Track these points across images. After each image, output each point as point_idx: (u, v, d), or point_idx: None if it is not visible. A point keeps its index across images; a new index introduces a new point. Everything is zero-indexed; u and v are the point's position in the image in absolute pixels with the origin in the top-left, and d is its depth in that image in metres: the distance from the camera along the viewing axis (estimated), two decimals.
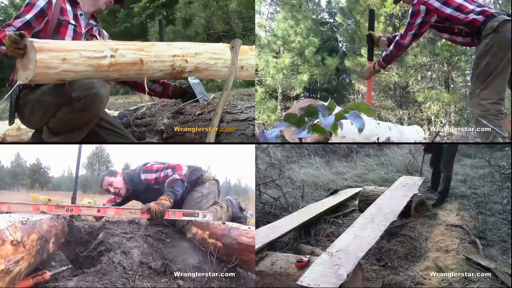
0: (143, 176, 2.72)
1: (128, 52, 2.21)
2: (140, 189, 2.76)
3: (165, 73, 2.43)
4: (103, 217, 2.66)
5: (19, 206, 2.13)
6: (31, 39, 1.91)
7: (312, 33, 10.88)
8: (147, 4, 11.43)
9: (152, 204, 2.35)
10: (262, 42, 10.69)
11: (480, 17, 2.72)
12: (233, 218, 2.80)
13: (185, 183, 2.65)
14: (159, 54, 2.35)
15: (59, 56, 1.94)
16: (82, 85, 2.01)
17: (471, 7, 2.80)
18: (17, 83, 2.01)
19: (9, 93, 2.10)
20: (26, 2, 2.23)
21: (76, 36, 2.33)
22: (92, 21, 2.49)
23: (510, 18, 2.67)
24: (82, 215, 2.45)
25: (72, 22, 2.33)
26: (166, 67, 2.39)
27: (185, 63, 2.48)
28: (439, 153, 3.40)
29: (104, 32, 2.64)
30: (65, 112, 2.07)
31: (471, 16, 2.75)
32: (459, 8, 2.81)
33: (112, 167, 20.62)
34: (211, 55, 2.61)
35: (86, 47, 2.07)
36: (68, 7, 2.33)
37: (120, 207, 2.68)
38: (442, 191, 3.36)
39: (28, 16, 2.17)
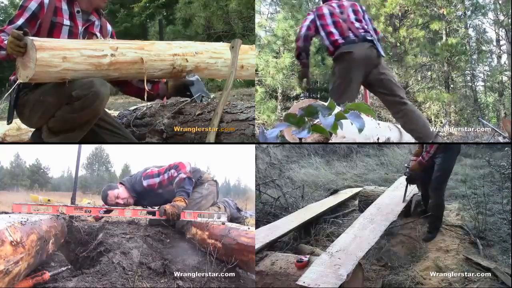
0: (145, 183, 2.67)
1: (129, 51, 2.21)
2: (142, 195, 2.71)
3: (165, 72, 2.43)
4: (103, 217, 2.65)
5: (40, 208, 2.15)
6: (31, 37, 1.91)
7: None
8: (147, 4, 11.40)
9: (168, 207, 2.32)
10: (262, 42, 10.68)
11: (340, 40, 3.08)
12: (231, 219, 2.79)
13: (192, 180, 2.62)
14: (159, 53, 2.35)
15: (60, 54, 1.94)
16: (82, 84, 2.01)
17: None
18: (16, 82, 2.01)
19: (9, 92, 2.10)
20: (20, 5, 2.22)
21: (72, 36, 2.30)
22: (92, 17, 2.42)
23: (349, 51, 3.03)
24: (81, 216, 2.45)
25: (67, 23, 2.28)
26: (166, 66, 2.39)
27: (185, 62, 2.48)
28: (427, 177, 2.76)
29: (108, 26, 2.55)
30: (65, 111, 2.06)
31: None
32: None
33: (112, 168, 20.62)
34: (211, 54, 2.61)
35: (86, 46, 2.07)
36: (64, 5, 2.28)
37: (138, 208, 2.65)
38: (433, 221, 2.74)
39: (20, 21, 2.16)
